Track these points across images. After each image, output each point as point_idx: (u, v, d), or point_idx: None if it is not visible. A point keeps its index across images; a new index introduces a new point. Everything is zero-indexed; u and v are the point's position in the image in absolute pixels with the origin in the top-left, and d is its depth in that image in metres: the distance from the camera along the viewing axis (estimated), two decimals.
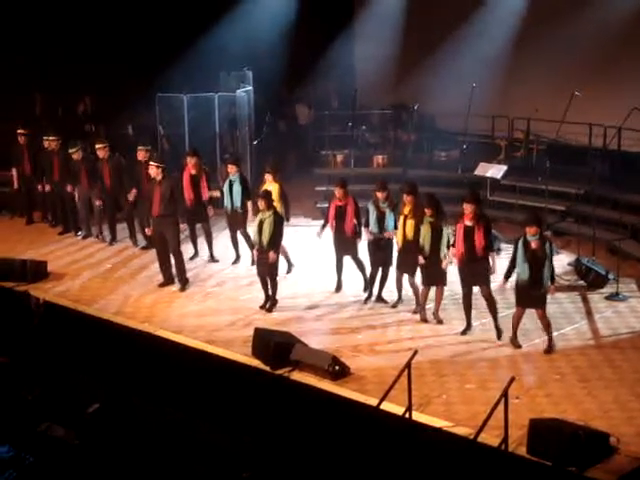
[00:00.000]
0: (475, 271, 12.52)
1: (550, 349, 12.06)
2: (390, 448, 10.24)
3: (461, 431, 10.14)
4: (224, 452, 11.09)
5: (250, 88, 19.84)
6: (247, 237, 15.36)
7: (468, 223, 12.50)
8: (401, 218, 13.25)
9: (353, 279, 14.51)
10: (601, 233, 15.86)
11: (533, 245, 11.89)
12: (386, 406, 10.58)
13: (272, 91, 21.54)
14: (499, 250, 14.98)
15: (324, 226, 14.41)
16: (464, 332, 12.74)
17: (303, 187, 18.93)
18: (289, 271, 15.17)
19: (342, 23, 22.18)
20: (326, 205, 18.49)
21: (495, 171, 17.75)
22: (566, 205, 17.13)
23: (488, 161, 18.26)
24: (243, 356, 12.23)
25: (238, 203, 15.38)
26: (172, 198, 14.53)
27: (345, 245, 14.13)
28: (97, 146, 16.76)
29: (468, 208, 12.50)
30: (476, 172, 17.95)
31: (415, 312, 13.42)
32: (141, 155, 16.31)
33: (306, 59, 21.17)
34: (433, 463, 9.97)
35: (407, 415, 10.43)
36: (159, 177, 14.57)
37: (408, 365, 10.48)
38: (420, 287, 13.30)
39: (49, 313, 14.13)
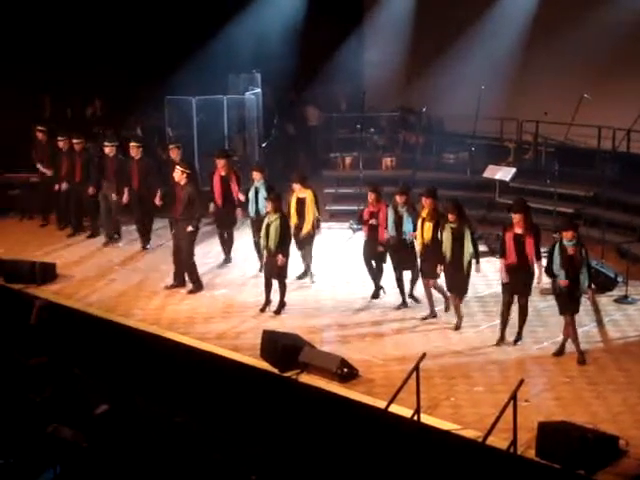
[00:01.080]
0: (520, 280, 12.24)
1: (560, 353, 12.00)
2: (398, 451, 10.22)
3: (469, 434, 10.13)
4: (232, 454, 11.08)
5: (259, 90, 19.86)
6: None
7: (518, 231, 12.21)
8: (419, 221, 13.16)
9: (363, 283, 14.54)
10: (610, 236, 15.84)
11: (570, 251, 11.65)
12: (394, 409, 10.58)
13: (281, 93, 21.57)
14: None
15: (361, 226, 14.39)
16: (515, 341, 12.41)
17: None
18: (301, 278, 15.02)
19: (351, 25, 22.17)
20: (335, 207, 18.67)
21: (504, 174, 17.73)
22: (575, 208, 17.09)
23: (497, 163, 18.24)
24: (251, 358, 12.24)
25: (264, 211, 14.92)
26: (190, 204, 14.53)
27: (374, 252, 13.94)
28: (131, 144, 16.66)
29: (516, 218, 12.19)
30: (485, 174, 17.94)
31: (432, 316, 13.37)
32: (174, 153, 16.17)
33: (315, 61, 21.17)
34: (441, 466, 9.96)
35: (415, 418, 10.42)
36: (183, 182, 14.58)
37: (416, 368, 10.47)
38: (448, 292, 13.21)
39: (57, 315, 14.15)
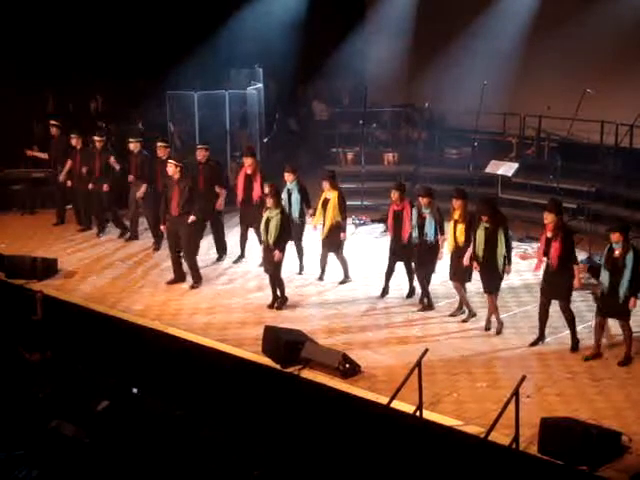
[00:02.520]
0: (555, 283, 11.97)
1: (628, 361, 11.71)
2: (400, 447, 10.21)
3: (472, 430, 10.11)
4: (234, 450, 11.08)
5: (260, 85, 19.85)
6: (300, 250, 15.05)
7: (549, 235, 11.95)
8: (451, 223, 12.94)
9: (366, 279, 14.52)
10: None
11: (616, 253, 11.42)
12: (396, 404, 10.55)
13: (283, 88, 21.56)
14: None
15: (385, 231, 14.40)
16: (534, 343, 12.24)
17: (314, 185, 18.80)
18: (344, 281, 14.72)
19: (353, 20, 22.18)
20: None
21: (506, 169, 17.69)
22: (578, 203, 17.05)
23: (499, 159, 18.21)
24: (253, 354, 12.22)
25: (296, 213, 14.84)
26: (190, 198, 14.49)
27: (400, 251, 13.73)
28: (158, 144, 16.25)
29: (548, 218, 11.87)
30: (487, 170, 17.91)
31: (454, 315, 13.24)
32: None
33: (317, 57, 21.16)
34: (444, 462, 9.95)
35: (417, 414, 10.40)
36: (176, 176, 14.49)
37: (419, 363, 10.45)
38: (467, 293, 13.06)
39: (58, 310, 14.14)
